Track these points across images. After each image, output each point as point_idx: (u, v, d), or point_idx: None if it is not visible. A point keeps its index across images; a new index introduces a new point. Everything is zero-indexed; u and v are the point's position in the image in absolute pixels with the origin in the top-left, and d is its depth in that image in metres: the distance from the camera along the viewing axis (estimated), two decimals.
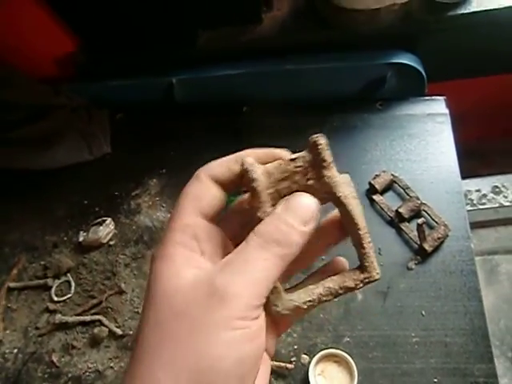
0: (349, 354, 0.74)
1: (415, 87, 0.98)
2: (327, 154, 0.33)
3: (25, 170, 0.99)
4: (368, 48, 0.94)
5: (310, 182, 0.34)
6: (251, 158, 0.35)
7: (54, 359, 0.81)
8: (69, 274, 0.89)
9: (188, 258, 0.32)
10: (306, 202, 0.33)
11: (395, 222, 0.85)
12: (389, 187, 0.89)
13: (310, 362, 0.75)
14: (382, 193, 0.89)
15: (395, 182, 0.89)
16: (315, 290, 0.35)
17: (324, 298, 0.35)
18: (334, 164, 0.34)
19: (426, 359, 0.74)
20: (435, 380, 0.73)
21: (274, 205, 0.34)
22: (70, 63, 1.02)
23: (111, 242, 0.91)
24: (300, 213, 0.32)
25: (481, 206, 1.20)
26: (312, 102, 1.01)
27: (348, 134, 0.98)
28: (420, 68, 0.94)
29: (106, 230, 0.90)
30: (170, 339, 0.29)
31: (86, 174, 1.00)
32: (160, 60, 1.01)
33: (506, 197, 1.20)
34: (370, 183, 0.88)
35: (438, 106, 0.98)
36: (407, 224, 0.84)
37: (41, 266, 0.90)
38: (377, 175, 0.89)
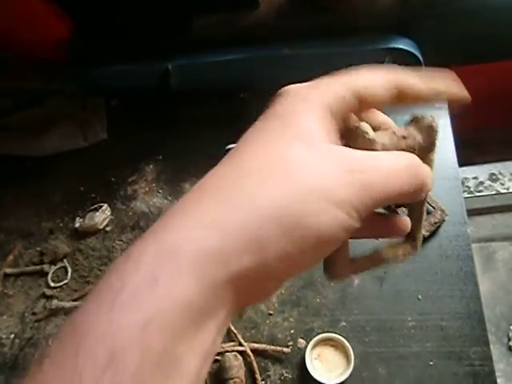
0: (345, 338, 0.74)
1: None
2: (437, 140, 0.33)
3: (20, 156, 0.98)
4: (365, 33, 0.93)
5: None
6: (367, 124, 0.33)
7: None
8: (65, 260, 0.88)
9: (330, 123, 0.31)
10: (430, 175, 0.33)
11: (392, 207, 0.85)
12: None
13: (306, 346, 0.75)
14: None
15: None
16: (371, 257, 0.36)
17: (377, 264, 0.36)
18: None
19: (422, 343, 0.75)
20: (431, 363, 0.73)
21: None
22: (66, 49, 1.01)
23: (107, 228, 0.91)
24: (423, 177, 0.32)
25: (478, 194, 1.20)
26: None
27: None
28: (417, 53, 0.94)
29: (102, 216, 0.90)
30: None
31: (82, 160, 1.00)
32: (156, 46, 1.00)
33: (502, 184, 1.20)
34: None
35: None
36: (404, 209, 0.84)
37: (37, 252, 0.90)
38: None
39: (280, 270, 0.28)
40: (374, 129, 0.34)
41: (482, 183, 1.20)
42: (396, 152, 0.31)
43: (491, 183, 1.20)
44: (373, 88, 0.32)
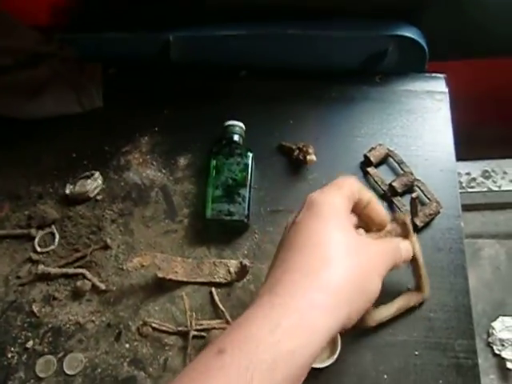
0: None
1: (416, 62, 0.97)
2: (411, 229, 0.65)
3: (12, 118, 0.96)
4: (372, 17, 0.92)
5: None
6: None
7: (35, 309, 0.79)
8: (53, 226, 0.87)
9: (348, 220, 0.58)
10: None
11: (388, 195, 0.84)
12: (383, 161, 0.89)
13: None
14: (377, 166, 0.88)
15: (390, 156, 0.88)
16: (391, 309, 0.68)
17: (396, 314, 0.68)
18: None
19: (408, 332, 0.75)
20: (416, 353, 0.74)
21: None
22: (65, 11, 0.98)
23: (98, 197, 0.89)
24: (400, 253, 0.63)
25: (469, 190, 1.20)
26: (311, 70, 0.99)
27: (345, 106, 0.96)
28: (423, 42, 0.93)
29: (93, 184, 0.88)
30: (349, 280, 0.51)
31: (77, 126, 0.97)
32: (158, 15, 0.97)
33: (495, 182, 1.21)
34: (365, 155, 0.87)
35: (437, 84, 0.97)
36: (399, 198, 0.84)
37: (25, 215, 0.88)
38: (372, 148, 0.88)
39: (354, 318, 0.52)
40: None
41: (474, 179, 1.21)
42: (392, 241, 0.63)
43: (484, 180, 1.21)
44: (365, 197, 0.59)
